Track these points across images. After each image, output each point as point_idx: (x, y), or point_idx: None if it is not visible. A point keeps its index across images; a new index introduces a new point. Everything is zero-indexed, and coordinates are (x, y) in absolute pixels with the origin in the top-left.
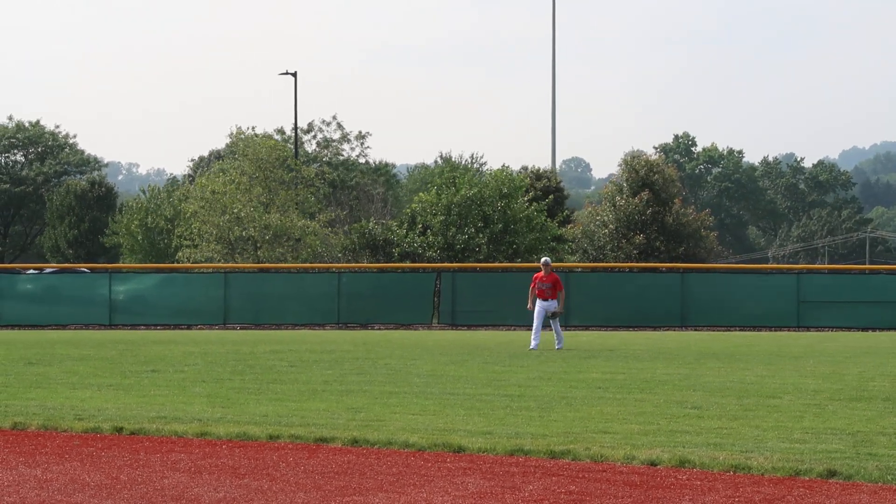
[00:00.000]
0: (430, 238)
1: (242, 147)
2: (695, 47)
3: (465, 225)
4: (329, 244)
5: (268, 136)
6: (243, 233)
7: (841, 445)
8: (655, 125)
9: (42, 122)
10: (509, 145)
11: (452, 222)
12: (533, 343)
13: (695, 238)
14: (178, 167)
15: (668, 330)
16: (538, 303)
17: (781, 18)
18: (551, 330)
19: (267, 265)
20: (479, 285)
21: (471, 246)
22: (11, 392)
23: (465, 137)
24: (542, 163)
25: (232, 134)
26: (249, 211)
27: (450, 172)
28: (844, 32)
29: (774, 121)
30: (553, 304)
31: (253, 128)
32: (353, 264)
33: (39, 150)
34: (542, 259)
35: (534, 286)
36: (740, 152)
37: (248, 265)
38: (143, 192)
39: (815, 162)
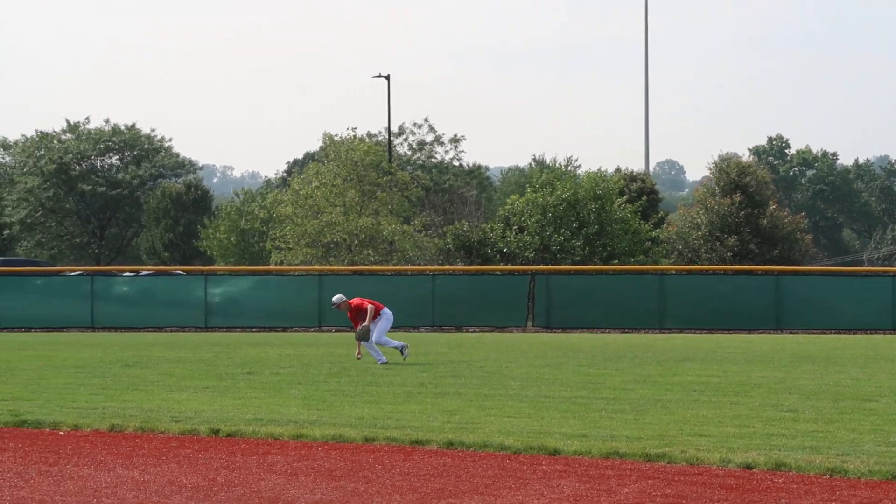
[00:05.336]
0: (527, 238)
1: (333, 154)
2: (790, 48)
3: (560, 226)
4: (422, 247)
5: (361, 140)
6: (335, 237)
7: None
8: (749, 127)
9: (138, 126)
10: (603, 148)
11: (548, 223)
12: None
13: (789, 240)
14: (273, 170)
15: (762, 333)
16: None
17: (881, 21)
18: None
19: (361, 268)
20: (573, 288)
21: (566, 248)
22: (109, 394)
23: (558, 140)
24: (636, 165)
25: (325, 137)
26: (339, 215)
27: (548, 175)
28: None
29: (869, 122)
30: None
31: (354, 129)
32: (447, 267)
33: (135, 153)
34: (336, 296)
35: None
36: (834, 154)
37: (343, 268)
38: (237, 196)
39: None
